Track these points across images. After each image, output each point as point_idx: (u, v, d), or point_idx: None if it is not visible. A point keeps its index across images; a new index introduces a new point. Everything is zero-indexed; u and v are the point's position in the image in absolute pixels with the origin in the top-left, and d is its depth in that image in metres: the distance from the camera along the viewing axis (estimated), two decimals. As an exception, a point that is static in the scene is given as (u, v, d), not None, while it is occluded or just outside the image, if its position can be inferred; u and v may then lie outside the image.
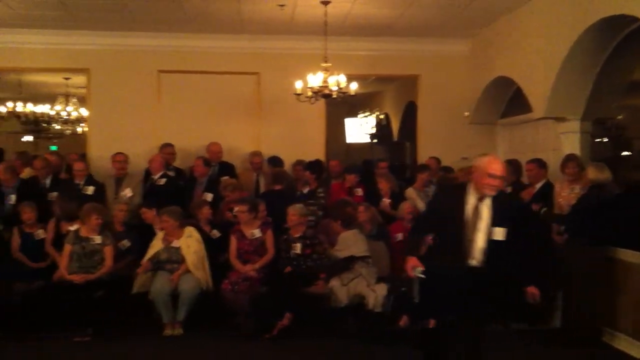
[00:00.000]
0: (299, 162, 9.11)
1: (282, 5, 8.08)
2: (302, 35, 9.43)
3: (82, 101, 13.14)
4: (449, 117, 10.08)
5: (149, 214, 7.44)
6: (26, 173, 8.52)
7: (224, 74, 9.86)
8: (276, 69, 9.77)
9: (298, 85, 8.21)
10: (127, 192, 7.99)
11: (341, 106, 11.50)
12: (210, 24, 9.16)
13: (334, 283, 6.69)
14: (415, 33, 9.58)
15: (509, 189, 7.51)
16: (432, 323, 6.27)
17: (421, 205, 7.85)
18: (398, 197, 8.10)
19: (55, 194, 7.86)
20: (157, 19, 8.87)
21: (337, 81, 8.03)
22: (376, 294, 6.63)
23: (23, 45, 9.59)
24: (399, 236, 7.48)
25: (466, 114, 10.01)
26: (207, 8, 8.38)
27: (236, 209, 7.21)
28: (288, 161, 9.33)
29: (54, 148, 15.82)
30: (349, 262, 6.83)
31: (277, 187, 8.29)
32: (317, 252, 6.95)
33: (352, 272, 6.76)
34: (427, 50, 10.07)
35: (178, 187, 8.34)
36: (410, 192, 8.18)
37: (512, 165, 7.78)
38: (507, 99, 9.77)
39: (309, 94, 8.15)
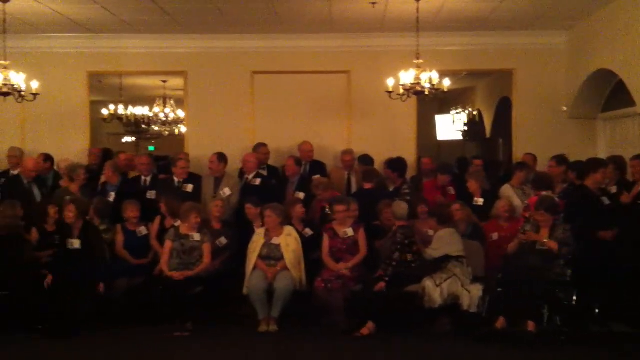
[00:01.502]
0: (386, 162, 9.06)
1: (373, 3, 8.04)
2: (394, 32, 9.36)
3: (179, 103, 13.57)
4: (546, 112, 9.79)
5: (252, 210, 7.55)
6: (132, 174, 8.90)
7: (314, 74, 9.94)
8: (367, 66, 9.77)
9: (390, 82, 8.16)
10: (226, 191, 8.15)
11: (432, 103, 11.36)
12: (301, 24, 9.25)
13: (428, 283, 6.61)
14: (510, 26, 9.34)
15: (614, 188, 7.22)
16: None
17: (517, 202, 7.65)
18: (490, 195, 7.91)
19: (153, 192, 8.16)
20: (250, 21, 9.04)
21: (429, 78, 7.92)
22: (471, 295, 6.52)
23: (124, 49, 10.01)
24: (494, 236, 7.32)
25: (564, 108, 9.68)
26: (298, 8, 8.46)
27: (335, 207, 7.20)
28: (379, 159, 9.28)
29: (151, 149, 16.44)
30: (442, 262, 6.74)
31: (367, 185, 8.28)
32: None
33: (446, 272, 6.66)
34: (522, 43, 9.80)
35: (271, 186, 8.45)
36: (506, 189, 7.94)
37: (616, 162, 7.47)
38: (608, 93, 9.37)
39: (401, 91, 8.08)
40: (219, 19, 8.88)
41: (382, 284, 6.72)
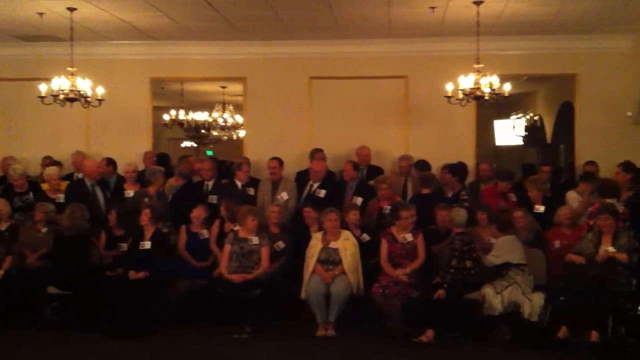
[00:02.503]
0: (445, 166, 8.97)
1: (433, 8, 7.99)
2: (453, 37, 9.29)
3: (238, 108, 13.77)
4: (610, 118, 9.55)
5: (312, 214, 7.59)
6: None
7: (372, 79, 9.95)
8: (425, 71, 9.71)
9: (449, 87, 8.10)
10: (284, 196, 8.24)
11: (490, 107, 11.20)
12: (360, 29, 9.25)
13: (488, 290, 6.53)
14: (572, 30, 9.16)
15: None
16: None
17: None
18: (551, 202, 7.73)
19: (215, 197, 8.28)
20: (309, 26, 9.10)
21: (489, 82, 7.83)
22: (532, 303, 6.42)
23: (185, 56, 10.20)
24: (557, 243, 7.17)
25: (629, 114, 9.42)
26: (358, 14, 8.46)
27: (402, 213, 7.14)
28: (436, 165, 9.20)
29: (209, 153, 16.71)
30: (503, 269, 6.65)
31: (425, 191, 8.22)
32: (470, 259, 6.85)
33: (507, 280, 6.57)
34: (585, 47, 9.58)
35: (335, 197, 8.28)
36: (571, 195, 7.78)
37: (683, 171, 7.23)
38: (676, 97, 9.09)
39: (460, 96, 8.01)
40: (278, 25, 8.97)
41: (441, 292, 6.66)
